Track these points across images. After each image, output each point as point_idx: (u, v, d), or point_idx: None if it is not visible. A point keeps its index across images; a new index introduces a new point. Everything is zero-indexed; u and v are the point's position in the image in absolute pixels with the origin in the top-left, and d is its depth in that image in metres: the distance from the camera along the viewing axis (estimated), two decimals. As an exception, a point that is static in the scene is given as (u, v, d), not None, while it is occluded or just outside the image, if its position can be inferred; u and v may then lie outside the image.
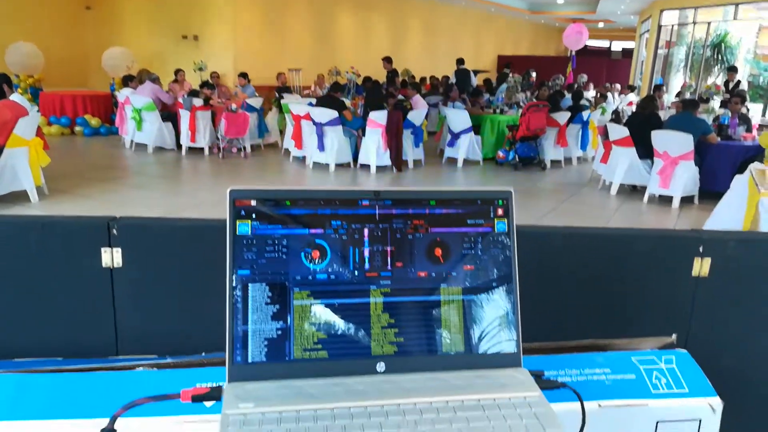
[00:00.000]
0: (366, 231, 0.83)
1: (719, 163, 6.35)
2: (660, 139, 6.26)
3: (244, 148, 8.49)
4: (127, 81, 9.27)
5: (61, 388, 0.94)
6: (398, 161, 7.70)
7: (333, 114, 7.42)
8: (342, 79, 11.43)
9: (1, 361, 1.11)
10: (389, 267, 0.82)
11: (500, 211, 0.86)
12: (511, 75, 11.53)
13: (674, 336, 1.12)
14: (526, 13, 20.23)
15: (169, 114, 8.44)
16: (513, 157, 8.26)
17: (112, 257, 1.30)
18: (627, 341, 1.11)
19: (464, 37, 19.41)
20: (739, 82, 10.66)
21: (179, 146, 8.43)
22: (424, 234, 0.84)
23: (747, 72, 14.63)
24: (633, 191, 6.94)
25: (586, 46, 14.58)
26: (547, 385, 0.80)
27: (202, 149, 8.32)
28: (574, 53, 13.96)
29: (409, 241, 0.83)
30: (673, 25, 16.30)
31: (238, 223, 0.80)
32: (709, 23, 15.24)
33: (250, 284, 0.79)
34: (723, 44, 14.97)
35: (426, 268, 0.83)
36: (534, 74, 13.28)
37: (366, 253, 0.82)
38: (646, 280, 1.40)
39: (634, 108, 9.30)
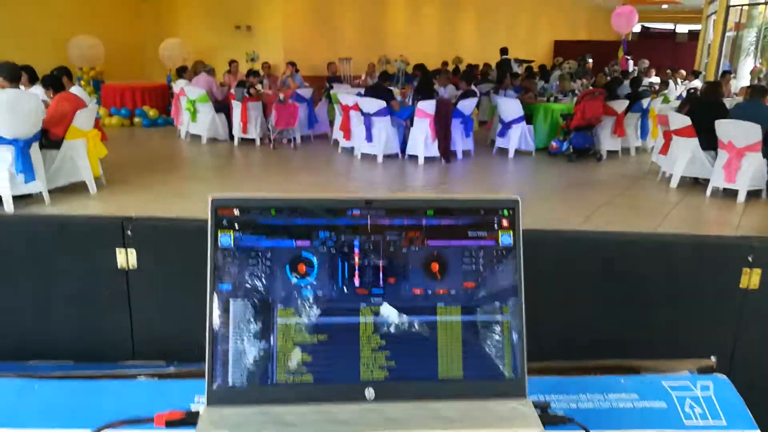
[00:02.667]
0: (356, 243, 0.76)
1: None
2: (725, 128, 5.87)
3: (294, 138, 8.56)
4: (182, 72, 9.50)
5: (58, 396, 0.93)
6: (447, 152, 7.56)
7: (381, 104, 7.36)
8: (391, 68, 11.33)
9: (14, 363, 1.12)
10: (381, 283, 0.76)
11: (505, 223, 0.78)
12: (565, 62, 11.11)
13: (713, 358, 1.01)
14: (584, -5, 19.47)
15: (222, 105, 8.60)
16: (567, 147, 7.95)
17: (126, 258, 1.30)
18: (659, 363, 1.01)
19: (520, 22, 18.84)
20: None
21: (232, 137, 8.60)
22: (419, 247, 0.77)
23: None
24: (695, 184, 6.54)
25: (648, 28, 13.89)
26: (552, 420, 0.72)
27: (253, 140, 8.45)
28: (624, 37, 13.31)
29: (404, 254, 0.77)
30: (742, 6, 15.24)
31: (219, 234, 0.75)
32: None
33: (231, 300, 0.75)
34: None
35: (422, 284, 0.76)
36: (590, 60, 12.76)
37: (356, 267, 0.76)
38: (685, 292, 1.27)
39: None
